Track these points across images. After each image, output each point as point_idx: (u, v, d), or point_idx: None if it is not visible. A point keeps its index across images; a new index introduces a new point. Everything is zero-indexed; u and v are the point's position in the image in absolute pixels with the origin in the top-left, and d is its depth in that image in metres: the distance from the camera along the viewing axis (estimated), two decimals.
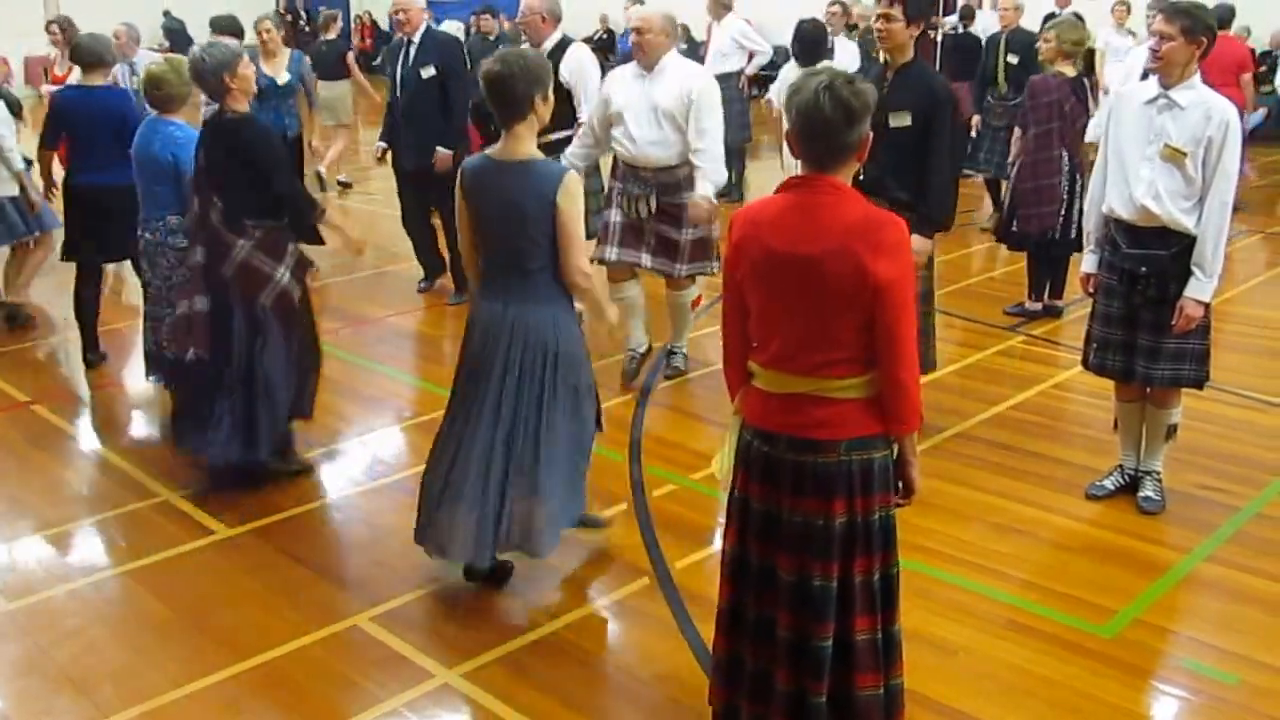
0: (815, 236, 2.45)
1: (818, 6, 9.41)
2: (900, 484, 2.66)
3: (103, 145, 5.50)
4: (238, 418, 4.38)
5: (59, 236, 6.15)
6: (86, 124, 5.62)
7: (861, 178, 3.40)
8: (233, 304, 4.34)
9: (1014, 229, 6.49)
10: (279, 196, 4.32)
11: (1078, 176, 6.28)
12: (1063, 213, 6.29)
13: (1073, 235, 6.38)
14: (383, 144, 6.96)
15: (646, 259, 5.40)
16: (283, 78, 7.89)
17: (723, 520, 3.88)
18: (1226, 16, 8.88)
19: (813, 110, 2.42)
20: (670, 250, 5.36)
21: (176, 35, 18.97)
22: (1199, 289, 3.91)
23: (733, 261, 2.62)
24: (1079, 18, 10.71)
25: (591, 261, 4.56)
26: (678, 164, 5.23)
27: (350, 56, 10.83)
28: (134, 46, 7.96)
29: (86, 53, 5.67)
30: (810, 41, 7.83)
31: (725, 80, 9.62)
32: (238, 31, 7.52)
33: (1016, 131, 6.60)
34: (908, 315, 2.48)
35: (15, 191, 6.30)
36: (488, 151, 3.59)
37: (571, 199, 3.44)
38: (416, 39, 6.66)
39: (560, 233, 3.45)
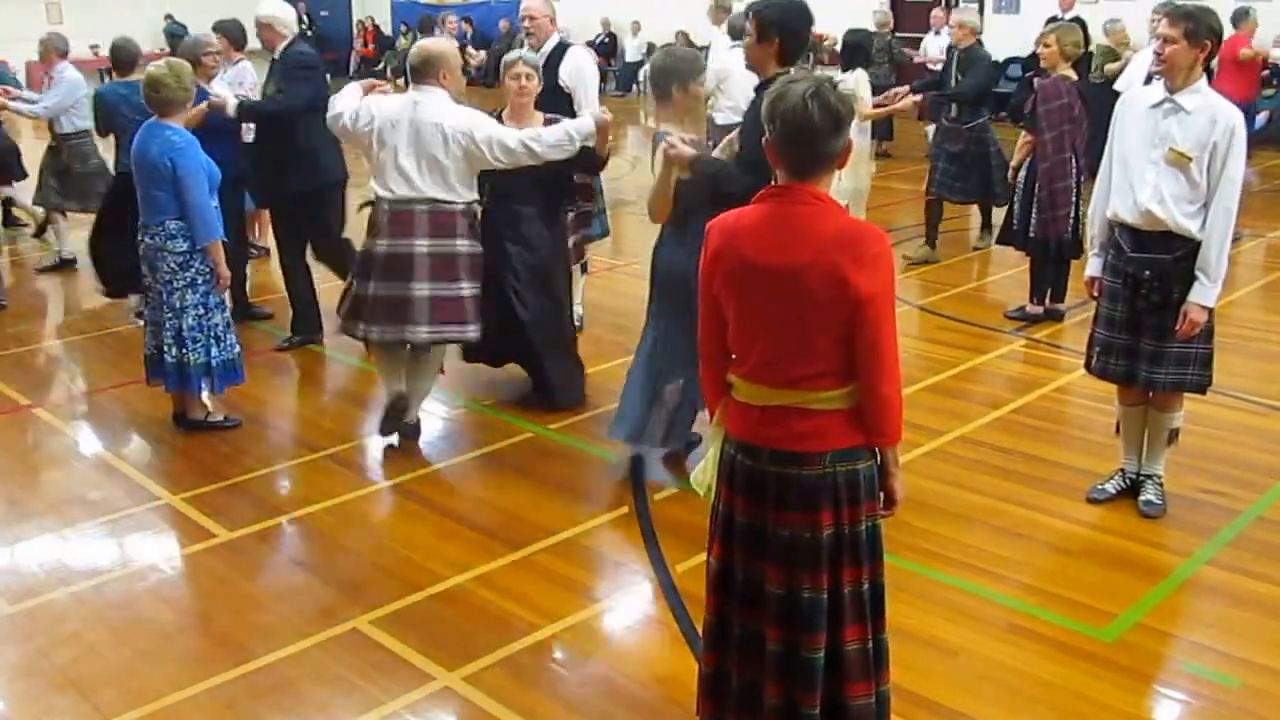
0: (795, 248, 2.41)
1: (817, 9, 9.43)
2: (883, 495, 2.63)
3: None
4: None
5: None
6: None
7: None
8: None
9: (1031, 234, 6.46)
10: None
11: (1082, 180, 6.30)
12: (1072, 216, 6.30)
13: (1074, 238, 6.40)
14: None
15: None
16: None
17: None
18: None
19: (800, 118, 2.37)
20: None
21: (178, 40, 18.98)
22: (1203, 294, 3.90)
23: (709, 272, 2.57)
24: (1115, 21, 10.72)
25: None
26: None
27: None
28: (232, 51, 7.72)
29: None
30: (854, 47, 7.79)
31: None
32: (240, 37, 7.49)
33: (1021, 136, 6.61)
34: (889, 328, 2.44)
35: None
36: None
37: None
38: (277, 55, 6.09)
39: None
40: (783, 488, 2.52)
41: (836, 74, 7.59)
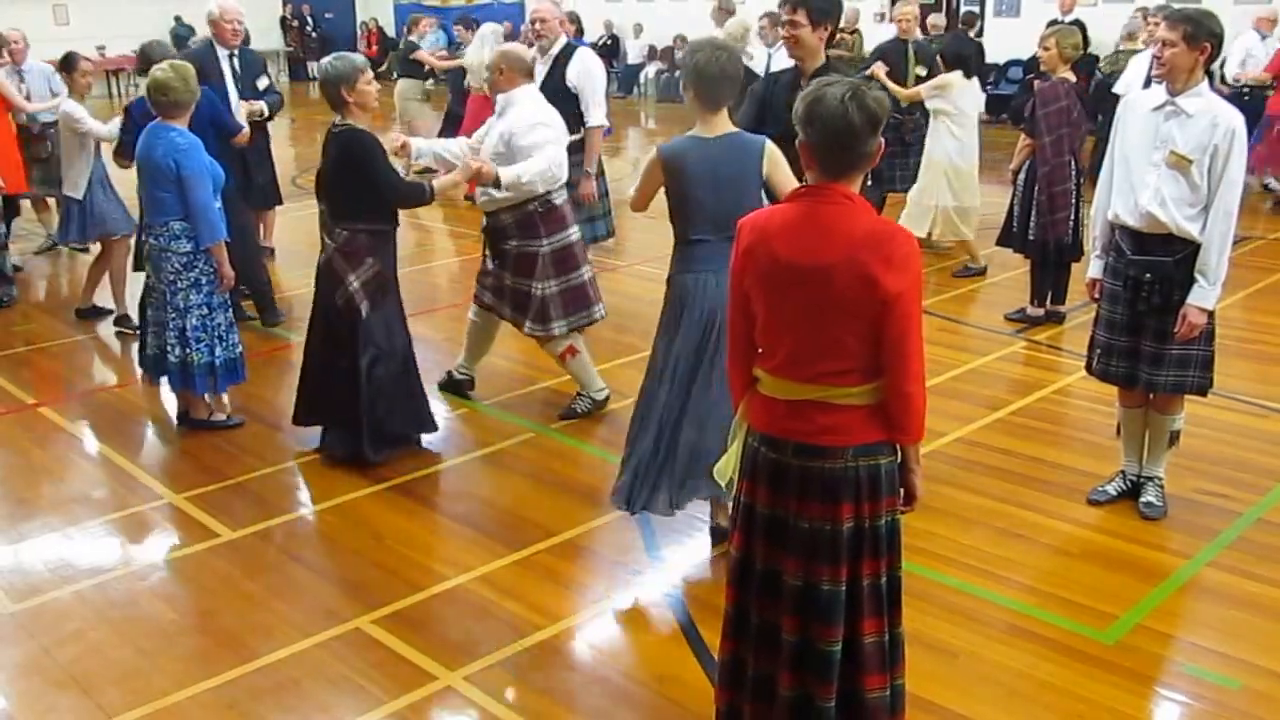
0: (824, 247, 2.45)
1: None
2: (903, 490, 2.67)
3: None
4: (343, 413, 4.76)
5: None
6: None
7: None
8: (324, 303, 4.71)
9: (1031, 237, 6.48)
10: (386, 199, 4.62)
11: (1082, 182, 6.31)
12: (1071, 219, 6.31)
13: (1074, 241, 6.41)
14: None
15: (506, 311, 5.13)
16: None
17: (724, 524, 4.00)
18: None
19: (839, 120, 2.39)
20: (512, 301, 5.07)
21: (184, 41, 18.99)
22: (1202, 296, 3.91)
23: (740, 268, 2.62)
24: (1133, 27, 10.54)
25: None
26: (501, 209, 4.93)
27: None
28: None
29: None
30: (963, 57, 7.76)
31: None
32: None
33: (1020, 139, 6.62)
34: (915, 327, 2.48)
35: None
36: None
37: (775, 164, 3.74)
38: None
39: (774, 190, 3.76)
40: (805, 480, 2.56)
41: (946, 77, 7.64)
